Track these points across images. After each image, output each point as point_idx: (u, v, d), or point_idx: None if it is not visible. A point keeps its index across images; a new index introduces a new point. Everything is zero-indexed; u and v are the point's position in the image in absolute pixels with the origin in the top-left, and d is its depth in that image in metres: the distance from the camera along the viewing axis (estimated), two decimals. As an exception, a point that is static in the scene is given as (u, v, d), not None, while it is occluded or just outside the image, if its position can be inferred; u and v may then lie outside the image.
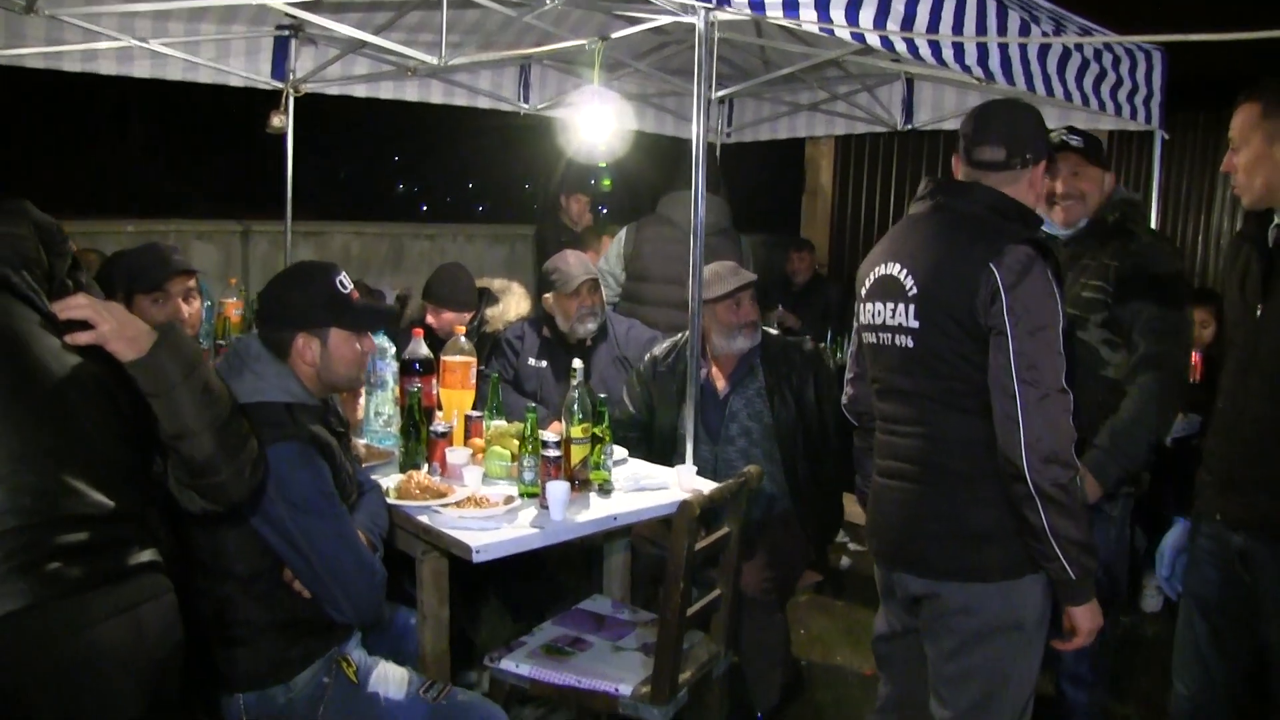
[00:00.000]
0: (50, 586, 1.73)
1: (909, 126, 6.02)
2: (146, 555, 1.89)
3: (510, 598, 4.29)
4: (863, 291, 2.64)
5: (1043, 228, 3.25)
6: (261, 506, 2.38)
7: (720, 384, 3.83)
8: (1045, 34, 3.92)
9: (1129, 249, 3.08)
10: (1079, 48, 4.13)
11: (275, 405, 2.46)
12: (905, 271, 2.48)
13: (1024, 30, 3.80)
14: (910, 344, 2.47)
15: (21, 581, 1.70)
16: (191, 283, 3.78)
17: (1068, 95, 4.14)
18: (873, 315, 2.58)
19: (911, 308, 2.46)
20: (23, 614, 1.69)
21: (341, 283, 2.64)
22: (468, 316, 4.42)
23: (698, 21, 3.23)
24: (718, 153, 6.69)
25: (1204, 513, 2.68)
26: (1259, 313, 2.56)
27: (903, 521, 2.52)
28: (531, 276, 6.78)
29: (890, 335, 2.52)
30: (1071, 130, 3.24)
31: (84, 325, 1.87)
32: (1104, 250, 3.11)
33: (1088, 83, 4.26)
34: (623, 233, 5.24)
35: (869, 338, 2.62)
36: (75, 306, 1.88)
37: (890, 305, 2.51)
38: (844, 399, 2.84)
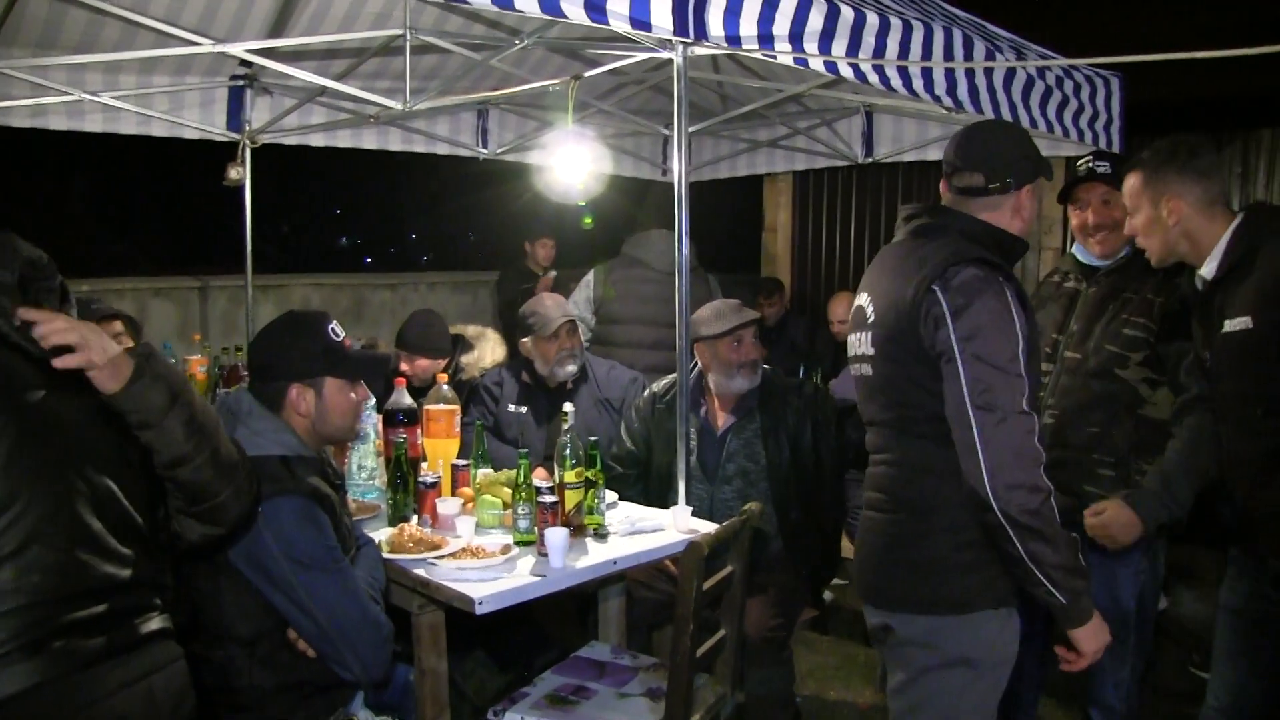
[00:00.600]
0: (61, 663, 1.66)
1: (869, 159, 6.04)
2: (156, 623, 1.82)
3: (497, 648, 4.19)
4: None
5: (1081, 259, 3.24)
6: (264, 565, 2.30)
7: (719, 422, 3.78)
8: (1009, 61, 3.96)
9: (1173, 283, 3.03)
10: (1041, 75, 4.17)
11: (271, 459, 2.39)
12: (869, 299, 2.46)
13: (989, 58, 3.84)
14: (870, 372, 2.44)
15: (30, 660, 1.63)
16: (118, 326, 3.68)
17: (1033, 123, 4.17)
18: (850, 347, 2.57)
19: (870, 335, 2.43)
20: (33, 692, 1.62)
21: (334, 331, 2.60)
22: (442, 363, 4.35)
23: (676, 57, 3.22)
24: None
25: (1238, 538, 2.71)
26: (1208, 360, 2.66)
27: (871, 552, 2.47)
28: (493, 324, 6.72)
29: (859, 365, 2.50)
30: (1099, 156, 3.22)
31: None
32: (1146, 284, 3.07)
33: (1051, 109, 4.30)
34: (590, 276, 5.20)
35: (852, 369, 2.59)
36: (57, 330, 1.79)
37: (859, 335, 2.50)
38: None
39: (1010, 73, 3.96)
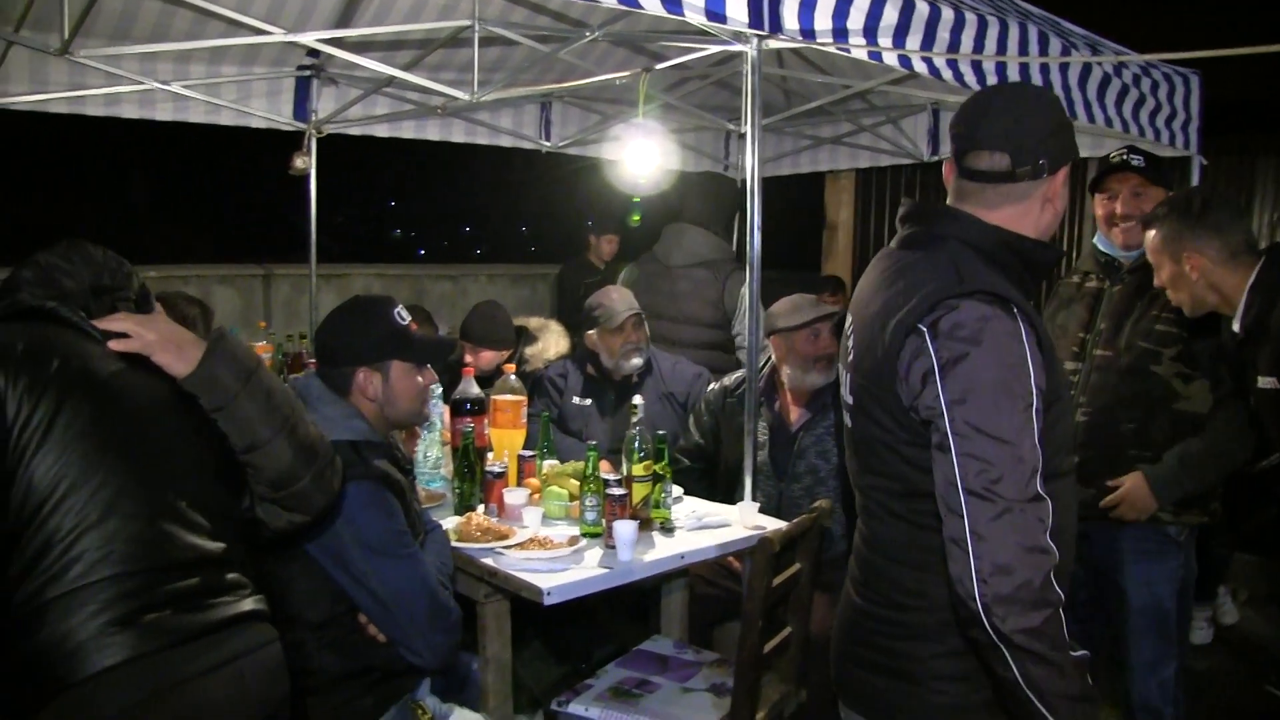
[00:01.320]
0: (154, 638, 1.67)
1: (935, 157, 5.95)
2: (249, 603, 1.84)
3: (554, 639, 4.19)
4: None
5: (1103, 249, 3.19)
6: (334, 549, 2.31)
7: (792, 418, 3.74)
8: (1085, 56, 3.89)
9: None
10: (1118, 72, 4.09)
11: (341, 444, 2.38)
12: (851, 329, 1.98)
13: (1064, 55, 3.78)
14: (850, 424, 1.98)
15: (124, 633, 1.64)
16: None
17: (1108, 121, 4.10)
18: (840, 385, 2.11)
19: (849, 377, 1.96)
20: (126, 666, 1.63)
21: (400, 315, 2.61)
22: (506, 354, 4.35)
23: (750, 50, 3.19)
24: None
25: None
26: (1251, 403, 2.71)
27: (837, 637, 2.06)
28: (553, 317, 6.73)
29: (843, 413, 2.04)
30: (1132, 150, 3.21)
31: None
32: None
33: (1127, 108, 4.21)
34: (624, 272, 5.23)
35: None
36: (113, 320, 1.85)
37: (844, 373, 2.02)
38: None
39: (1085, 69, 3.89)
